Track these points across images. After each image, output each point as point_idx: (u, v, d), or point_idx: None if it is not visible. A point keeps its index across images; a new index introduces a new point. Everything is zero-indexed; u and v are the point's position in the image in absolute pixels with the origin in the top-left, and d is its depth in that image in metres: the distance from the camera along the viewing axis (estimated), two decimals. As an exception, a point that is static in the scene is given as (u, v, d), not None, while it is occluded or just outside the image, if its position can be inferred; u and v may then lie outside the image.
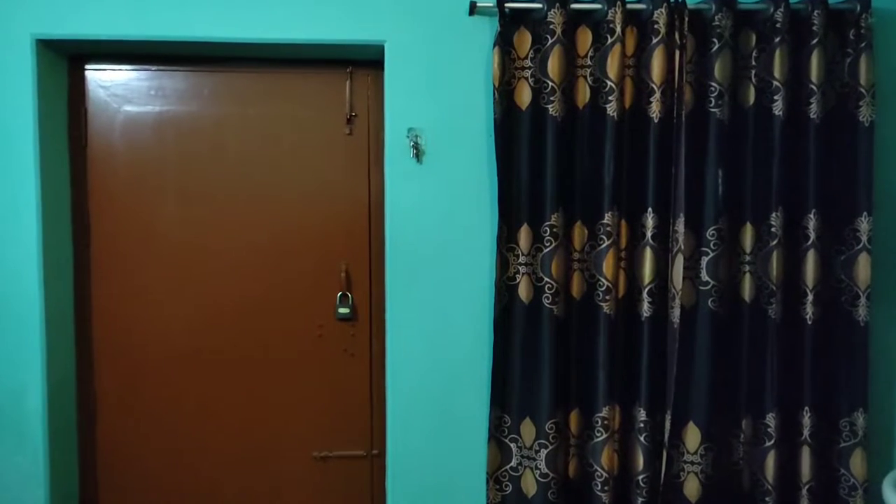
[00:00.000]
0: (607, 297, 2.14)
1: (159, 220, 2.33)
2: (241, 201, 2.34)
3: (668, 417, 2.16)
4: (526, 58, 2.14)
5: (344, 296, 2.36)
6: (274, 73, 2.31)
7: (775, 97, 2.13)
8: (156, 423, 2.39)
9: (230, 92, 2.31)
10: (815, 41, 2.14)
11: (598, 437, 2.17)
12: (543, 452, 2.16)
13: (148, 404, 2.38)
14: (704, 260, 2.15)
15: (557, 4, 2.08)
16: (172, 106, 2.31)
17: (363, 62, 2.30)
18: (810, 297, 2.16)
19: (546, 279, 2.13)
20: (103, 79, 2.31)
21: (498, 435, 2.21)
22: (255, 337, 2.37)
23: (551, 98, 2.11)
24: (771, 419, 2.18)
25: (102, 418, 2.39)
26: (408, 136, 2.18)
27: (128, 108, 2.31)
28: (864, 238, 2.15)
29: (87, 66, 2.31)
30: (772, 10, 2.13)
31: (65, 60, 2.29)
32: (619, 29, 2.09)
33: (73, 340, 2.35)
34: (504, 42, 2.12)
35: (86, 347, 2.36)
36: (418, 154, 2.19)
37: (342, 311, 2.36)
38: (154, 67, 2.29)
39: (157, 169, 2.32)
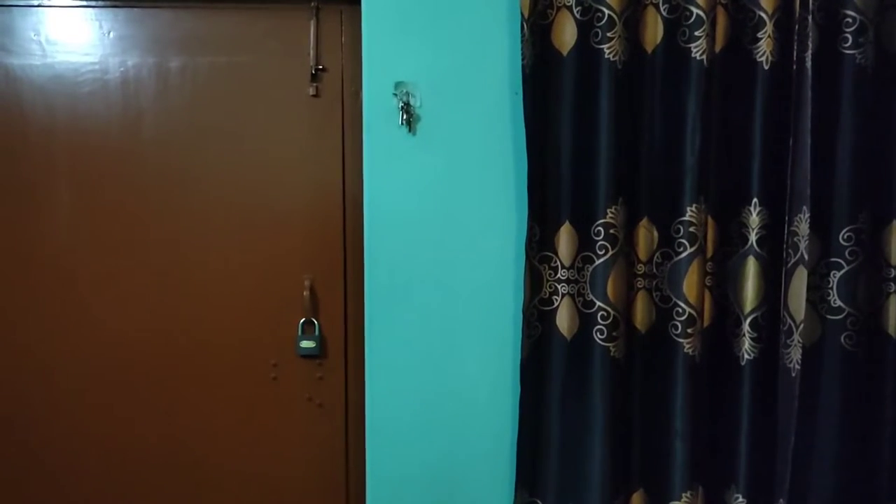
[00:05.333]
0: (689, 331, 1.86)
1: (43, 219, 2.07)
2: (160, 193, 2.09)
3: (778, 506, 1.85)
4: (569, -25, 1.83)
5: (308, 323, 2.11)
6: (207, 8, 2.06)
7: (941, 34, 1.81)
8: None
9: (145, 36, 2.06)
10: None
11: (674, 533, 1.88)
12: (595, 557, 1.87)
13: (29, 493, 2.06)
14: (836, 276, 1.86)
15: None
16: (63, 55, 2.04)
17: (333, -7, 2.05)
18: None
19: (598, 303, 1.88)
20: (-36, 18, 2.02)
21: (527, 530, 1.93)
22: (183, 382, 2.11)
23: (608, 35, 1.81)
24: (933, 511, 1.88)
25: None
26: (395, 96, 1.94)
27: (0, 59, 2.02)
28: None
29: (-62, -2, 2.01)
30: None
31: None
32: (709, -70, 1.76)
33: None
34: (537, -48, 1.83)
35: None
36: (410, 121, 1.95)
37: (305, 344, 2.11)
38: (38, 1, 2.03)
39: (43, 146, 2.06)
